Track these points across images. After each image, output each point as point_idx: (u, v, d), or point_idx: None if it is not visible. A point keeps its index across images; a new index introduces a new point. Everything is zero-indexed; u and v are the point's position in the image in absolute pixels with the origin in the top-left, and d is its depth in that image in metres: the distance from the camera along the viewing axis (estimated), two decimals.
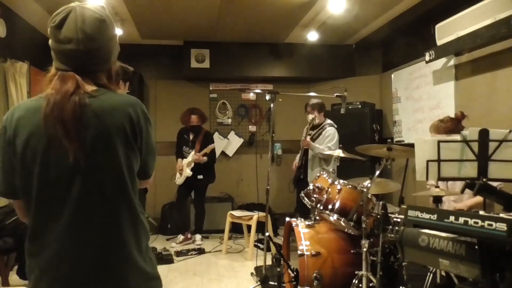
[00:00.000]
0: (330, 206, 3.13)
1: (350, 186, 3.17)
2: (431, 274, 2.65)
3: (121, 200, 1.22)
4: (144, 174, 1.33)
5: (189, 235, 5.34)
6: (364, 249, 2.87)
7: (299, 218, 3.41)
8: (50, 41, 1.23)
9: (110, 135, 1.18)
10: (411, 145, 2.42)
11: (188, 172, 5.09)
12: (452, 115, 3.18)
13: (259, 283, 3.58)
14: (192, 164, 5.13)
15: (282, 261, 3.10)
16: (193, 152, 5.18)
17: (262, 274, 3.46)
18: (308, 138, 4.39)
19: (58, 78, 1.20)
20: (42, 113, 1.15)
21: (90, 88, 1.22)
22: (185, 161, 5.17)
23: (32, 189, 1.19)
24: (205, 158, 5.16)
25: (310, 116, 4.45)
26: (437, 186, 2.66)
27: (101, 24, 1.23)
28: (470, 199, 2.91)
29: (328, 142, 4.32)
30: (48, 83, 1.22)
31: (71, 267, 1.18)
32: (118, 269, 1.21)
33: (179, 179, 5.21)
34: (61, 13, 1.21)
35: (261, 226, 4.14)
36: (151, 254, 1.32)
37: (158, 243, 5.20)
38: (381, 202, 2.89)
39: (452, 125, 3.00)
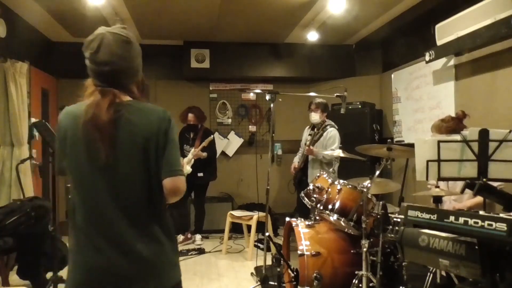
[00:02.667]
0: (330, 206, 3.13)
1: (350, 186, 3.17)
2: (431, 274, 2.65)
3: (140, 188, 1.43)
4: (166, 175, 1.46)
5: (189, 235, 5.34)
6: (364, 249, 2.87)
7: (299, 218, 3.41)
8: (87, 63, 1.46)
9: (137, 138, 1.41)
10: (411, 145, 2.42)
11: (188, 169, 5.07)
12: (453, 115, 3.18)
13: (259, 283, 3.58)
14: (192, 161, 5.11)
15: (282, 261, 3.10)
16: (193, 150, 5.18)
17: (262, 274, 3.46)
18: (312, 147, 4.37)
19: (98, 92, 1.45)
20: (82, 121, 1.42)
21: (125, 99, 1.47)
22: (186, 159, 5.17)
23: (73, 177, 1.48)
24: (204, 154, 5.14)
25: (313, 115, 4.44)
26: (437, 186, 2.66)
27: (128, 45, 1.48)
28: (469, 200, 2.91)
29: (331, 145, 4.31)
30: (89, 95, 1.47)
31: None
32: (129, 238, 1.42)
33: None
34: (95, 40, 1.44)
35: (261, 226, 4.14)
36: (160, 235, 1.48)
37: None
38: (381, 202, 2.89)
39: (454, 124, 3.00)
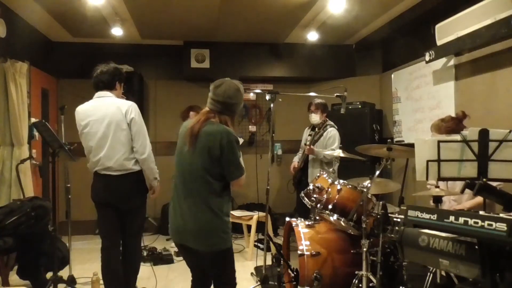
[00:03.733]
0: (330, 206, 3.13)
1: (350, 186, 3.17)
2: (431, 274, 2.65)
3: (205, 179, 2.21)
4: (229, 177, 2.27)
5: None
6: (364, 249, 2.87)
7: (299, 218, 3.41)
8: (210, 94, 2.30)
9: (207, 148, 2.19)
10: (411, 145, 2.42)
11: None
12: (453, 115, 3.18)
13: (259, 283, 3.58)
14: None
15: (282, 261, 3.10)
16: None
17: (262, 274, 3.46)
18: (312, 146, 4.37)
19: (202, 112, 2.31)
20: (187, 130, 2.27)
21: (214, 120, 2.25)
22: None
23: (176, 156, 2.34)
24: None
25: (313, 116, 4.44)
26: (437, 186, 2.66)
27: (237, 92, 2.33)
28: (469, 201, 2.91)
29: (331, 145, 4.31)
30: (201, 115, 2.29)
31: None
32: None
33: None
34: (219, 82, 2.31)
35: (261, 226, 4.14)
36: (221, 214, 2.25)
37: (158, 243, 5.19)
38: (381, 202, 2.89)
39: (454, 124, 3.00)
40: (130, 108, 2.95)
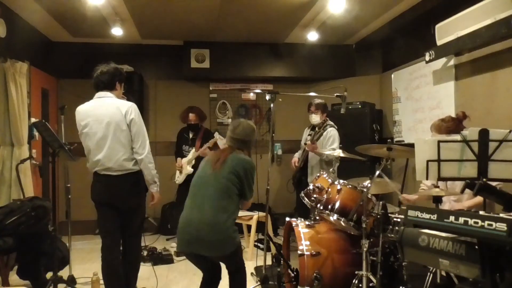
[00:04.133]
0: (330, 206, 3.13)
1: (350, 186, 3.17)
2: (431, 274, 2.65)
3: (225, 196, 2.64)
4: (245, 197, 2.73)
5: None
6: (364, 249, 2.87)
7: (299, 218, 3.41)
8: (228, 134, 2.84)
9: (234, 170, 2.66)
10: (411, 145, 2.42)
11: (189, 169, 5.06)
12: (453, 115, 3.18)
13: (259, 283, 3.58)
14: (193, 162, 5.09)
15: (282, 261, 3.10)
16: (193, 150, 5.16)
17: (262, 274, 3.46)
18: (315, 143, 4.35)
19: (225, 148, 2.85)
20: (212, 158, 2.79)
21: (236, 153, 2.75)
22: (185, 159, 5.15)
23: (198, 174, 2.82)
24: (209, 151, 5.10)
25: (313, 116, 4.44)
26: (437, 186, 2.66)
27: (252, 131, 2.85)
28: (468, 200, 2.91)
29: (331, 144, 4.30)
30: (225, 149, 2.83)
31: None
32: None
33: (179, 178, 5.17)
34: (237, 123, 2.84)
35: (261, 226, 4.14)
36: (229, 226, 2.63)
37: (158, 243, 5.20)
38: (381, 202, 2.89)
39: (453, 125, 3.00)
40: (130, 109, 2.95)
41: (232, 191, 2.63)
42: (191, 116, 5.27)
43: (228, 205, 2.61)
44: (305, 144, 4.54)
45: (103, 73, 3.01)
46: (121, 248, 3.10)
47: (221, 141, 6.44)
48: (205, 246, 2.55)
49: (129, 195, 3.00)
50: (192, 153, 5.15)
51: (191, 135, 5.30)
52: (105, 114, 2.92)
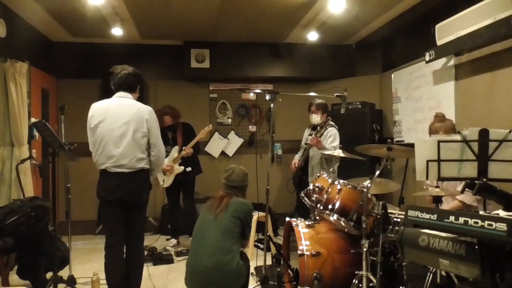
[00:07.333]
0: (330, 206, 3.13)
1: (350, 186, 3.17)
2: (431, 274, 2.65)
3: (227, 237, 2.87)
4: (246, 236, 3.01)
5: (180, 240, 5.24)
6: (364, 249, 2.87)
7: (299, 218, 3.41)
8: (223, 181, 3.08)
9: (237, 211, 2.92)
10: (411, 145, 2.42)
11: (178, 167, 4.98)
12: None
13: (259, 283, 3.58)
14: (180, 160, 5.01)
15: (282, 261, 3.10)
16: (176, 147, 5.01)
17: (262, 274, 3.46)
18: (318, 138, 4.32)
19: (225, 195, 3.04)
20: (213, 202, 3.06)
21: (236, 197, 3.03)
22: (170, 159, 4.96)
23: (200, 220, 3.08)
24: (191, 150, 4.96)
25: (314, 116, 4.44)
26: (437, 186, 2.66)
27: (245, 176, 3.12)
28: (451, 203, 2.97)
29: (331, 143, 4.30)
30: (223, 196, 3.03)
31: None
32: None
33: (167, 181, 5.01)
34: (230, 171, 3.10)
35: (261, 226, 4.14)
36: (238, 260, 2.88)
37: (158, 243, 5.19)
38: (381, 202, 2.89)
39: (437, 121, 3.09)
40: (151, 114, 3.11)
41: (235, 232, 2.87)
42: (166, 119, 5.00)
43: (232, 246, 2.83)
44: (306, 144, 4.54)
45: (130, 75, 3.14)
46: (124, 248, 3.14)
47: (221, 141, 6.46)
48: (216, 285, 2.79)
49: (142, 189, 3.11)
50: (175, 150, 5.00)
51: (170, 135, 5.10)
52: (126, 113, 3.02)
